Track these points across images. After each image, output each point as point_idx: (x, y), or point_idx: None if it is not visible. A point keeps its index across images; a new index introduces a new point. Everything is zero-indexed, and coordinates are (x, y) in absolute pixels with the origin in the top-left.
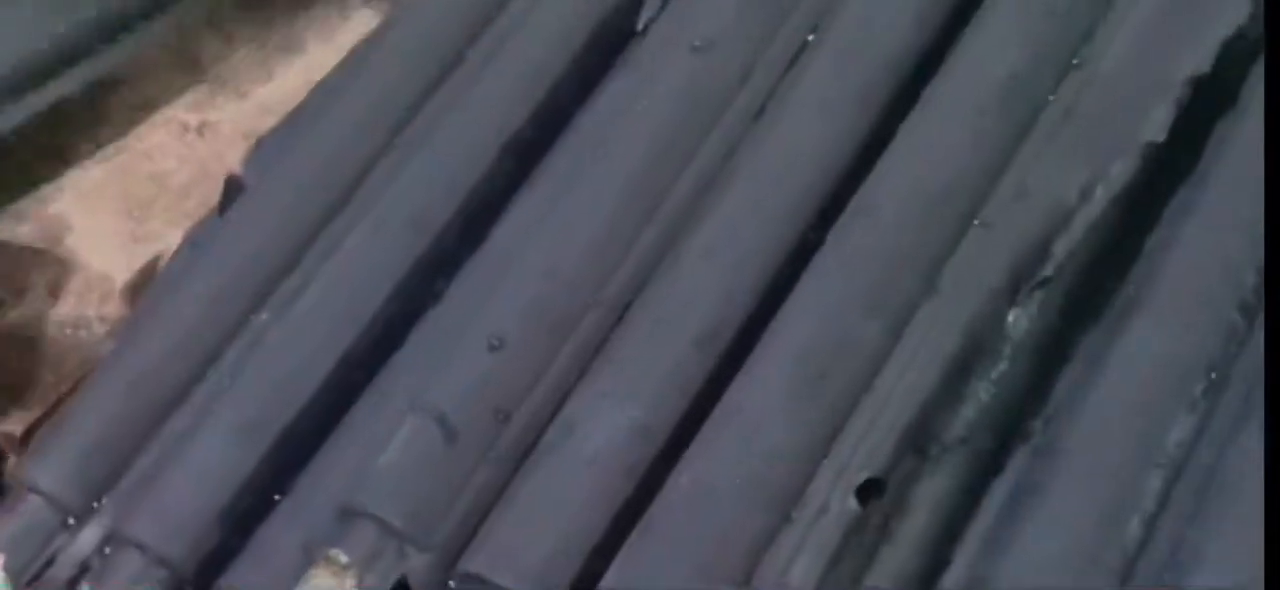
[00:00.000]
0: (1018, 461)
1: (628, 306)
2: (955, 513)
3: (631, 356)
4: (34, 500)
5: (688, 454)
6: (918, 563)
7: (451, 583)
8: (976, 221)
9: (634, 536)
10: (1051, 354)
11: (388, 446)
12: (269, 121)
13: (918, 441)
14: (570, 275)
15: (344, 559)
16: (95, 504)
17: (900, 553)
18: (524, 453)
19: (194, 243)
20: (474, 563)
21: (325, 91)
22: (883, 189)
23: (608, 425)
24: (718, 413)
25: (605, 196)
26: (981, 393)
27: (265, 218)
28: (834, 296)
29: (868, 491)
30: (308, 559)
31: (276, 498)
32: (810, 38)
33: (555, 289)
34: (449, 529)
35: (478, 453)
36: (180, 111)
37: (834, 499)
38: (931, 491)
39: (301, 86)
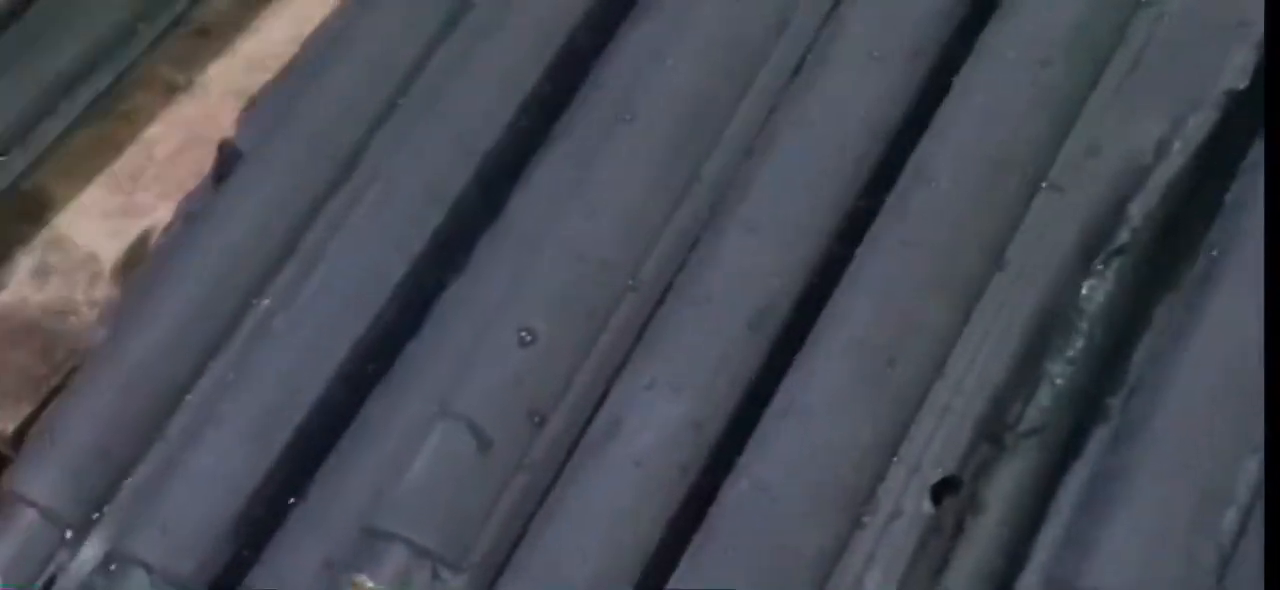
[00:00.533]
0: (1096, 446)
1: (667, 288)
2: (1032, 506)
3: (676, 344)
4: (29, 514)
5: (746, 452)
6: (993, 563)
7: None
8: (1045, 185)
9: (692, 549)
10: (1129, 327)
11: (414, 458)
12: (260, 78)
13: (992, 430)
14: (603, 257)
15: (370, 584)
16: (95, 515)
17: (975, 553)
18: (564, 457)
19: (187, 216)
20: (515, 585)
21: (320, 45)
22: (941, 151)
23: (656, 421)
24: (776, 405)
25: (635, 167)
26: (1057, 374)
27: (263, 190)
28: (895, 273)
29: (942, 490)
30: (331, 578)
31: (291, 501)
32: None
33: (587, 273)
34: (485, 547)
35: (513, 460)
36: (164, 68)
37: (907, 500)
38: (1006, 484)
39: (292, 38)
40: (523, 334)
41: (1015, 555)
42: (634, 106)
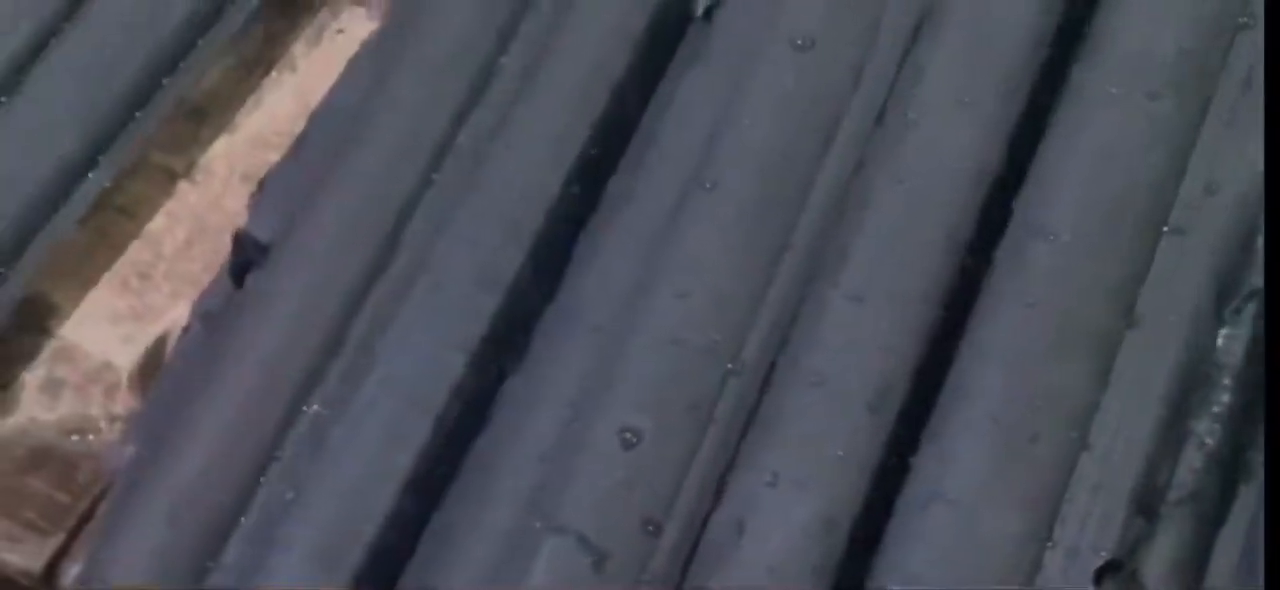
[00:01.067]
0: (1243, 507)
1: (771, 370)
2: (1189, 580)
3: (794, 432)
4: None
5: (889, 549)
6: None
7: None
8: (1166, 228)
9: None
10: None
11: (524, 579)
12: (267, 158)
13: (1144, 502)
14: (701, 340)
15: None
16: None
17: None
18: (683, 568)
19: (205, 316)
20: None
21: (332, 117)
22: (1054, 201)
23: (784, 521)
24: (915, 494)
25: (721, 238)
26: (1204, 433)
27: (295, 283)
28: (1024, 339)
29: (1102, 574)
30: None
31: None
32: (920, 21)
33: (686, 360)
34: None
35: (632, 576)
36: (158, 153)
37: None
38: (1162, 558)
39: (298, 112)
40: (627, 435)
41: None
42: (710, 171)
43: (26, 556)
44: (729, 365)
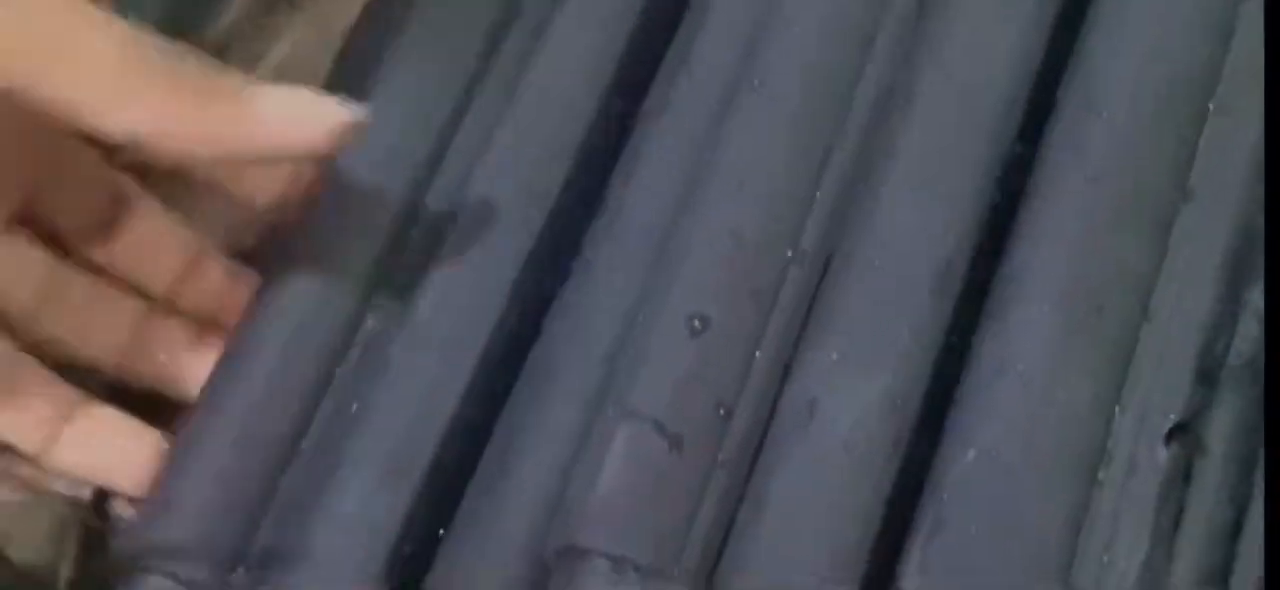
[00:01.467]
0: None
1: (830, 256)
2: (1250, 441)
3: (857, 314)
4: (156, 583)
5: (960, 422)
6: (1224, 509)
7: None
8: (1212, 107)
9: (923, 530)
10: None
11: (600, 466)
12: None
13: (1205, 368)
14: (760, 233)
15: None
16: (230, 576)
17: (1206, 500)
18: (756, 448)
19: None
20: (739, 583)
21: (359, 56)
22: (1108, 80)
23: (856, 400)
24: (986, 366)
25: (773, 133)
26: (1259, 302)
27: (336, 209)
28: (1086, 215)
29: (1170, 437)
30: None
31: (439, 533)
32: None
33: (745, 249)
34: (695, 554)
35: (709, 457)
36: None
37: (1141, 452)
38: (1224, 423)
39: (318, 46)
40: (694, 322)
41: (1242, 497)
42: (755, 72)
43: (75, 486)
44: (789, 253)
